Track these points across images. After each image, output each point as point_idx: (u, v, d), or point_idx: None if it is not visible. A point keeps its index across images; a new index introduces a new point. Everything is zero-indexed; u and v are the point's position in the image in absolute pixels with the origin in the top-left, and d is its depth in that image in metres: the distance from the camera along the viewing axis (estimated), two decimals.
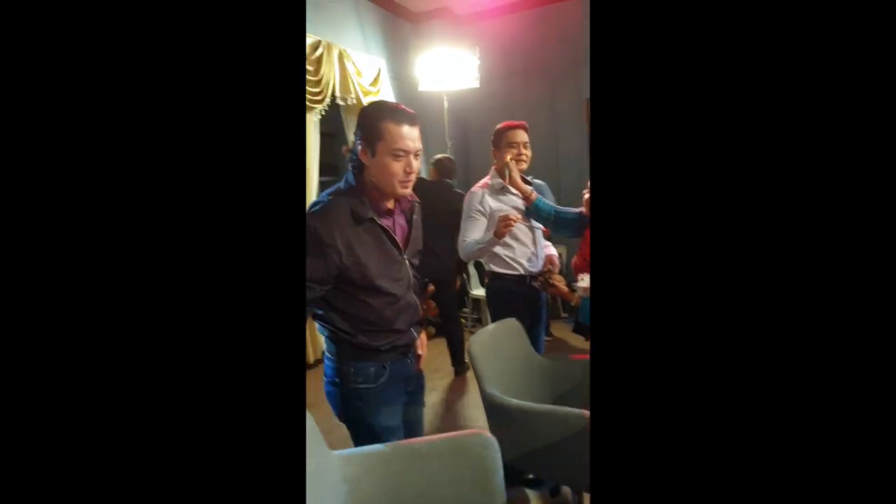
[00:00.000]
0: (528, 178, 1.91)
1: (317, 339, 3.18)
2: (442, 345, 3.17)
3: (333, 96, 3.33)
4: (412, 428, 1.32)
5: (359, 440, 1.22)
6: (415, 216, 1.27)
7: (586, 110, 3.91)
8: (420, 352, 1.33)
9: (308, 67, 3.14)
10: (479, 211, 1.87)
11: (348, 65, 3.46)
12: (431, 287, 3.01)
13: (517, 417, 1.39)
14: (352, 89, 3.47)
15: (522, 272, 1.89)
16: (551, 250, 2.03)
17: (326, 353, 1.23)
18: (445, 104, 3.86)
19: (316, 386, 1.27)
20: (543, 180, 2.03)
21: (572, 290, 1.79)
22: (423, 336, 1.35)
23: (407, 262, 1.22)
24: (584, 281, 1.66)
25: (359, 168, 1.15)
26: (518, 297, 1.89)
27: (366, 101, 3.50)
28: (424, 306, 1.34)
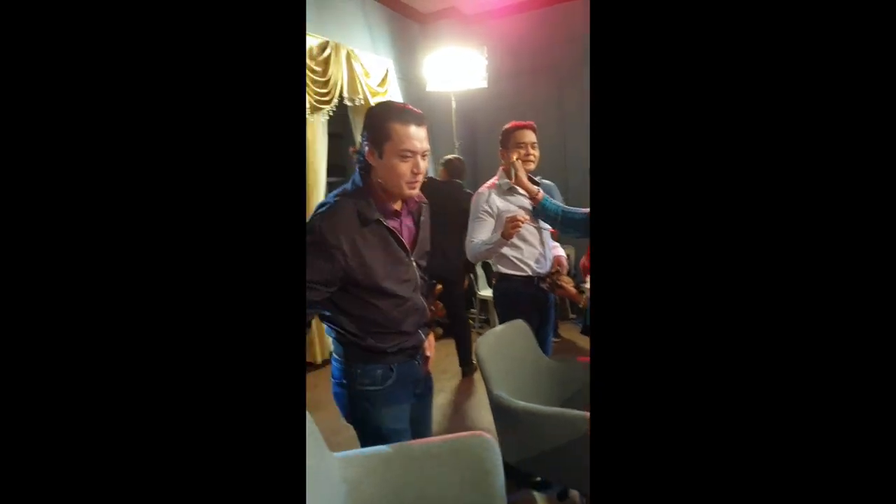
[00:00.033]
0: (536, 179, 1.90)
1: (325, 339, 3.18)
2: (450, 346, 3.17)
3: (341, 97, 3.34)
4: (420, 430, 1.31)
5: (366, 442, 1.22)
6: (422, 217, 1.26)
7: None
8: (428, 353, 1.32)
9: (316, 68, 3.15)
10: (487, 211, 1.86)
11: (356, 65, 3.47)
12: (439, 286, 3.01)
13: (524, 420, 1.38)
14: (360, 90, 3.48)
15: (530, 273, 1.87)
16: (560, 251, 2.02)
17: (334, 355, 1.22)
18: (453, 104, 3.85)
19: (324, 386, 1.27)
20: (551, 180, 2.02)
21: (581, 291, 1.78)
22: (431, 337, 1.34)
23: (414, 263, 1.21)
24: None
25: (366, 169, 1.14)
26: (526, 298, 1.88)
27: (374, 101, 3.50)
28: (432, 307, 1.33)
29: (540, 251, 1.90)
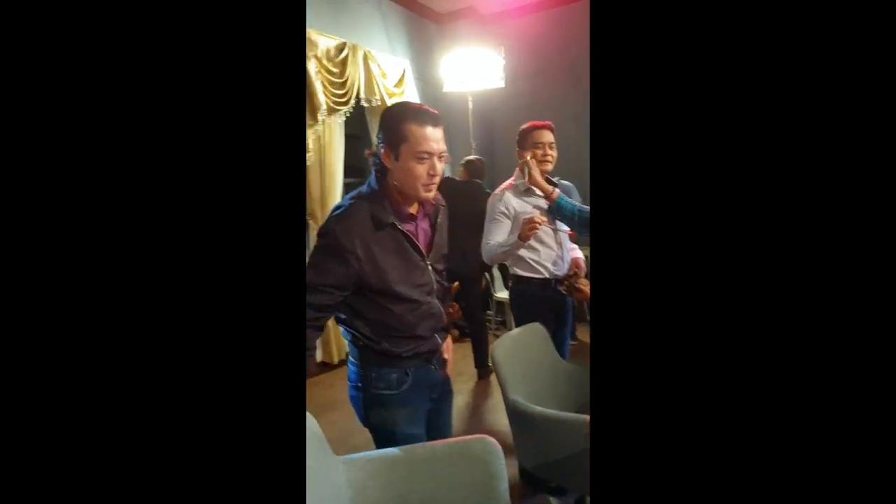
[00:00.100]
0: (555, 180, 1.87)
1: (341, 340, 3.20)
2: (465, 348, 3.15)
3: (358, 98, 3.35)
4: (440, 437, 1.29)
5: (381, 445, 1.21)
6: (439, 220, 1.24)
7: None
8: (446, 356, 1.30)
9: (333, 69, 3.17)
10: (503, 213, 1.84)
11: (373, 66, 3.47)
12: (456, 285, 3.00)
13: (541, 425, 1.36)
14: (376, 91, 3.49)
15: (547, 276, 1.85)
16: (577, 253, 1.99)
17: (350, 358, 1.22)
18: (470, 105, 3.84)
19: (340, 386, 1.27)
20: (570, 181, 1.99)
21: None
22: (449, 341, 1.33)
23: (430, 267, 1.19)
24: None
25: (382, 171, 1.13)
26: (543, 300, 1.86)
27: (390, 102, 3.50)
28: (450, 310, 1.31)
29: (557, 253, 1.87)
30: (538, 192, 1.80)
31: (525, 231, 1.63)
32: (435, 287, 1.21)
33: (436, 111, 1.11)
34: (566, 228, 1.88)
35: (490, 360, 2.33)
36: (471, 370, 3.09)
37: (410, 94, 3.88)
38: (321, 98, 3.05)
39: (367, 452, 1.17)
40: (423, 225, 1.21)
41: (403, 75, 3.81)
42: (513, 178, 1.90)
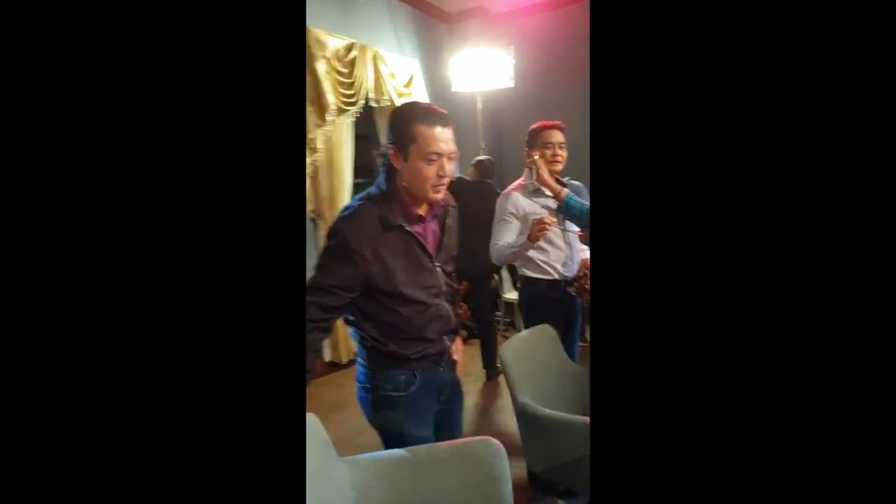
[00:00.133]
0: (565, 180, 1.86)
1: (350, 339, 3.20)
2: (474, 348, 3.15)
3: (367, 98, 3.35)
4: (450, 439, 1.27)
5: (389, 446, 1.20)
6: (449, 220, 1.22)
7: None
8: (455, 358, 1.30)
9: (342, 70, 3.17)
10: (512, 213, 1.82)
11: (382, 67, 3.47)
12: (465, 284, 2.99)
13: (550, 428, 1.35)
14: (385, 91, 3.49)
15: (557, 277, 1.83)
16: (587, 254, 1.97)
17: (358, 359, 1.22)
18: (479, 105, 3.82)
19: (348, 386, 1.27)
20: (579, 181, 1.97)
21: None
22: (459, 342, 1.32)
23: (438, 269, 1.18)
24: None
25: (390, 172, 1.12)
26: (552, 302, 1.84)
27: (399, 102, 3.50)
28: (459, 311, 1.30)
29: (567, 254, 1.85)
30: (547, 192, 1.78)
31: (534, 232, 1.61)
32: (444, 289, 1.20)
33: (445, 111, 1.10)
34: (576, 229, 1.86)
35: (499, 362, 2.32)
36: (479, 371, 3.09)
37: (420, 94, 3.88)
38: (330, 98, 3.06)
39: (371, 453, 1.18)
40: (432, 226, 1.19)
41: (413, 76, 3.81)
42: (522, 179, 1.89)
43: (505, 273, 3.83)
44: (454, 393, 1.31)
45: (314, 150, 3.09)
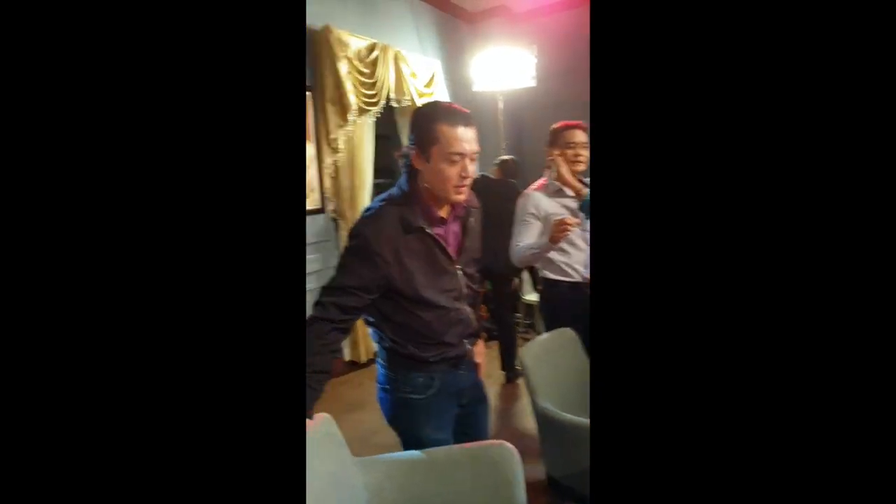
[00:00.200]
0: (586, 181, 1.83)
1: (369, 339, 3.21)
2: (493, 350, 3.12)
3: (388, 98, 3.36)
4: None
5: (406, 448, 1.20)
6: (471, 221, 1.19)
7: None
8: (478, 360, 1.28)
9: (364, 70, 3.18)
10: (533, 214, 1.80)
11: (403, 67, 3.48)
12: (485, 284, 2.97)
13: (570, 433, 1.33)
14: (406, 91, 3.49)
15: (579, 279, 1.80)
16: None
17: (378, 359, 1.21)
18: (500, 104, 3.80)
19: (367, 385, 1.27)
20: None
21: None
22: (481, 344, 1.30)
23: (460, 272, 1.16)
24: None
25: (412, 173, 1.11)
26: (574, 305, 1.81)
27: (420, 102, 3.50)
28: (480, 313, 1.29)
29: (589, 256, 1.82)
30: (569, 192, 1.75)
31: (555, 233, 1.57)
32: (464, 292, 1.18)
33: (467, 111, 1.08)
34: None
35: (518, 364, 2.29)
36: (498, 372, 3.06)
37: (441, 94, 3.88)
38: (352, 98, 3.07)
39: (385, 455, 1.18)
40: (454, 227, 1.17)
41: (434, 76, 3.81)
42: (544, 179, 1.87)
43: (525, 274, 3.80)
44: (476, 396, 1.29)
45: (335, 151, 3.11)
